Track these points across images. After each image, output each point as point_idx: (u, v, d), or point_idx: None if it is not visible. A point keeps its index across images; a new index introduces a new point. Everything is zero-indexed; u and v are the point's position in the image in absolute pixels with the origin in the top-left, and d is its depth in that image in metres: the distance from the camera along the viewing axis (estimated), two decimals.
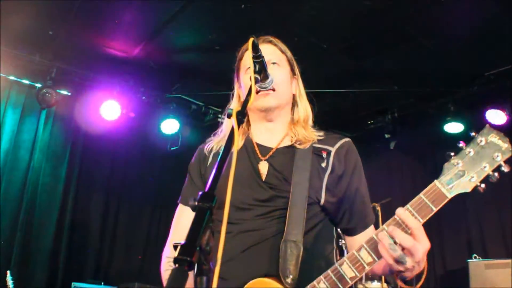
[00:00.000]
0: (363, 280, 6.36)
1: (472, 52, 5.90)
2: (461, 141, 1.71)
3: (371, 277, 6.47)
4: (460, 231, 7.36)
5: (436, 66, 6.28)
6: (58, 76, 6.70)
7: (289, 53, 2.33)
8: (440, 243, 7.46)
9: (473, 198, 7.05)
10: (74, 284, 6.44)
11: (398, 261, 1.63)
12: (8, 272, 5.54)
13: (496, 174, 1.66)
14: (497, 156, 1.66)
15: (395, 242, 1.65)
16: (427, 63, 6.21)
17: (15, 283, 5.48)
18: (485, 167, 1.66)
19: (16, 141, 6.89)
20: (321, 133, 2.25)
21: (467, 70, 6.36)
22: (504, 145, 1.66)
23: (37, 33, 5.94)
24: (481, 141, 1.68)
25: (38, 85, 6.80)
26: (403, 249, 1.64)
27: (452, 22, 5.35)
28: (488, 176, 1.67)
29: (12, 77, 6.90)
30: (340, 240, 5.89)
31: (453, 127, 7.05)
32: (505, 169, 1.65)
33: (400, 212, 1.67)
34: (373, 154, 8.12)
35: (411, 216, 1.66)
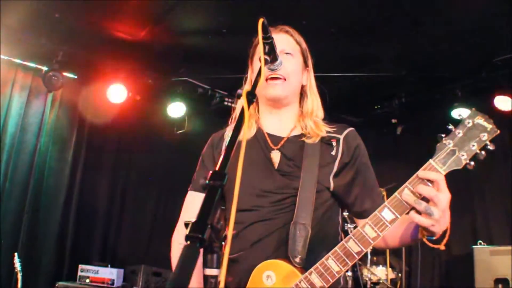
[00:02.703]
0: (369, 265, 6.40)
1: (480, 38, 5.85)
2: (450, 124, 1.86)
3: (376, 262, 6.51)
4: (465, 217, 7.34)
5: (444, 52, 6.23)
6: (65, 60, 6.69)
7: (304, 45, 2.37)
8: None
9: (480, 185, 7.06)
10: (81, 266, 6.51)
11: (425, 212, 1.75)
12: (16, 254, 5.59)
13: (483, 152, 1.79)
14: (484, 136, 1.79)
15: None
16: (435, 48, 6.16)
17: (22, 265, 5.53)
18: (473, 146, 1.80)
19: (23, 124, 6.90)
20: (331, 126, 2.29)
21: (475, 56, 6.31)
22: (489, 126, 1.80)
23: (44, 16, 5.92)
24: (468, 122, 1.83)
25: (45, 69, 6.81)
26: (427, 201, 1.77)
27: (460, 7, 5.30)
28: (476, 154, 1.80)
29: (18, 60, 6.92)
30: (345, 224, 5.92)
31: (461, 113, 7.00)
32: (491, 147, 1.79)
33: (421, 172, 1.80)
34: (379, 139, 8.10)
35: (432, 171, 1.79)
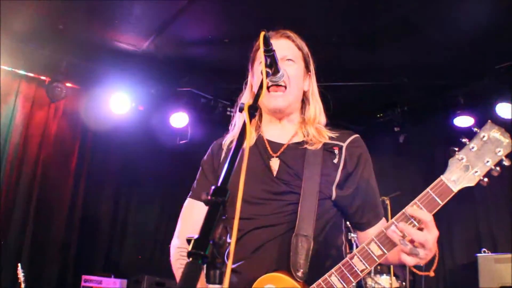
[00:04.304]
0: (372, 274, 6.37)
1: (482, 45, 5.86)
2: (464, 137, 1.77)
3: (380, 270, 6.49)
4: (469, 225, 7.33)
5: (446, 59, 6.24)
6: (68, 70, 6.74)
7: (305, 50, 2.34)
8: (449, 237, 7.45)
9: (483, 193, 7.03)
10: (84, 276, 6.50)
11: (411, 254, 1.71)
12: (19, 265, 5.59)
13: (498, 168, 1.72)
14: (499, 151, 1.71)
15: (403, 236, 1.73)
16: (437, 56, 6.17)
17: (26, 276, 5.53)
18: (487, 161, 1.72)
19: (26, 134, 6.93)
20: (334, 132, 2.25)
21: (478, 63, 6.32)
22: (506, 140, 1.72)
23: (47, 27, 5.96)
24: (483, 136, 1.73)
25: (48, 79, 6.84)
26: (413, 242, 1.72)
27: (462, 14, 5.31)
28: (490, 170, 1.73)
29: (22, 71, 6.94)
30: (349, 233, 5.90)
31: (463, 121, 7.01)
32: (506, 163, 1.71)
33: (410, 209, 1.75)
34: (382, 148, 8.09)
35: (422, 210, 1.74)
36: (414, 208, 1.75)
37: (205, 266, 1.07)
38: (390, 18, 5.51)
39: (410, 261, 1.74)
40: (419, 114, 7.64)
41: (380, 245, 1.80)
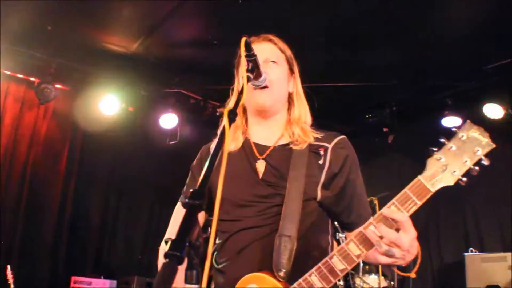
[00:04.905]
0: (361, 274, 6.40)
1: (470, 46, 5.90)
2: (442, 137, 1.77)
3: (368, 270, 6.52)
4: (457, 225, 7.37)
5: (434, 60, 6.29)
6: (57, 71, 6.72)
7: (288, 52, 2.35)
8: (436, 236, 7.49)
9: (470, 192, 7.08)
10: (74, 277, 6.49)
11: (386, 254, 1.74)
12: (9, 266, 5.58)
13: (476, 167, 1.71)
14: (478, 150, 1.70)
15: (381, 237, 1.75)
16: (425, 57, 6.21)
17: (15, 278, 5.52)
18: (466, 161, 1.71)
19: (16, 135, 6.91)
20: (319, 133, 2.26)
21: (466, 64, 6.36)
22: (484, 139, 1.71)
23: (36, 29, 5.96)
24: (462, 136, 1.73)
25: (38, 80, 6.82)
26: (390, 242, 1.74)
27: (451, 15, 5.35)
28: (469, 170, 1.72)
29: (11, 73, 6.92)
30: (337, 233, 5.92)
31: (451, 121, 7.05)
32: (485, 162, 1.70)
33: (386, 210, 1.76)
34: (371, 148, 8.13)
35: (397, 211, 1.75)
36: (390, 209, 1.76)
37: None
38: (378, 19, 5.55)
39: (385, 261, 1.77)
40: (407, 114, 7.67)
41: (359, 245, 1.80)
